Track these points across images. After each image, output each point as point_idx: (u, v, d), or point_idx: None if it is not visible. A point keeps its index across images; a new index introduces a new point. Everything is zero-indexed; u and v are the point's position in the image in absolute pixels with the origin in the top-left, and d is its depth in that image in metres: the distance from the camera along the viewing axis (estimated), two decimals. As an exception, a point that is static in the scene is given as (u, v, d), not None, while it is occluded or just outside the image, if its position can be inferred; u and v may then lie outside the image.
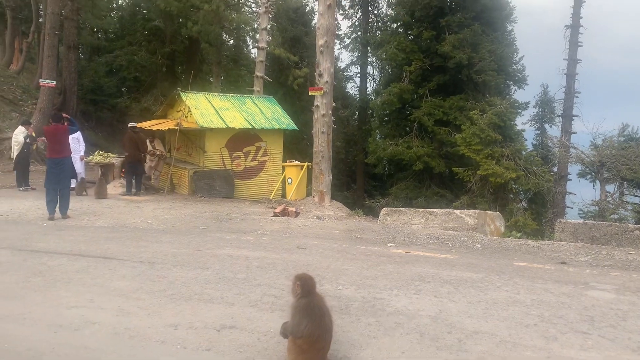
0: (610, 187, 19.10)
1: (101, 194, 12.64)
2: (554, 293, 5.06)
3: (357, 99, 32.90)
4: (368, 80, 33.30)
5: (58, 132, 9.78)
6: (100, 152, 15.96)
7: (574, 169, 22.20)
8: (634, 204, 19.27)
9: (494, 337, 3.85)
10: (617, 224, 8.74)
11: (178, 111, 15.63)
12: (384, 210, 10.78)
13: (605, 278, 5.82)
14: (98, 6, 26.21)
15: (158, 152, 15.22)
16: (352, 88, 34.55)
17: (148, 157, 14.86)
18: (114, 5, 30.34)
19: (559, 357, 3.54)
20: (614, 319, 4.32)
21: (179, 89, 16.14)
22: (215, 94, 17.24)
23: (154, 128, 15.16)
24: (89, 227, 8.67)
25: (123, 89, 27.96)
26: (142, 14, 28.19)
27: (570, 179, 23.43)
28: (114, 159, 15.39)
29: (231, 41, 29.26)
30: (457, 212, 9.75)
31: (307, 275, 3.42)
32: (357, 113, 32.61)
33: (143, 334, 3.81)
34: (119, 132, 22.67)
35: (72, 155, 13.66)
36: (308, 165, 15.22)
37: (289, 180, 15.45)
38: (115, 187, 14.43)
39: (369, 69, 33.19)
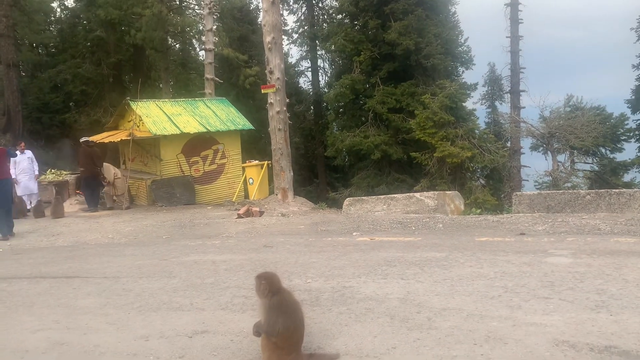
0: (561, 157, 19.84)
1: (58, 213, 12.30)
2: (515, 264, 5.24)
3: (311, 93, 32.97)
4: (320, 73, 33.46)
5: None
6: (53, 170, 15.50)
7: (526, 143, 22.95)
8: (585, 170, 20.08)
9: (462, 312, 3.96)
10: (570, 191, 9.11)
11: (129, 121, 15.30)
12: (347, 201, 10.89)
13: (562, 244, 6.05)
14: (35, 21, 25.29)
15: (106, 181, 13.98)
16: (304, 83, 34.65)
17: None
18: (52, 18, 29.35)
19: (524, 323, 3.68)
20: (572, 282, 4.51)
21: (128, 98, 15.80)
22: (166, 100, 16.98)
23: (106, 140, 14.79)
24: (48, 248, 8.43)
25: (70, 104, 27.13)
26: (82, 25, 27.37)
27: (524, 153, 24.22)
28: (67, 176, 14.97)
29: (177, 45, 28.79)
30: (417, 195, 9.95)
31: (270, 272, 3.42)
32: (312, 107, 32.71)
33: (114, 350, 3.75)
34: (70, 148, 22.01)
35: (27, 174, 13.48)
36: (268, 164, 15.18)
37: (250, 181, 15.38)
38: (71, 204, 14.07)
39: (320, 62, 33.34)
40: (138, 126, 14.67)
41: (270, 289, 3.30)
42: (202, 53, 24.56)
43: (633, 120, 24.87)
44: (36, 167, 13.89)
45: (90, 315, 4.56)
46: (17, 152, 13.59)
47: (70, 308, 4.83)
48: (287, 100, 13.83)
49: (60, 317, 4.55)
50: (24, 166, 13.75)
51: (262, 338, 3.28)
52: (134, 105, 14.97)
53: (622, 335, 3.35)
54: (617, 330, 3.44)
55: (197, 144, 15.03)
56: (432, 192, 10.83)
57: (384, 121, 23.83)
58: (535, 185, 21.00)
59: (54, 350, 3.81)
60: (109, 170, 13.80)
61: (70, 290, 5.43)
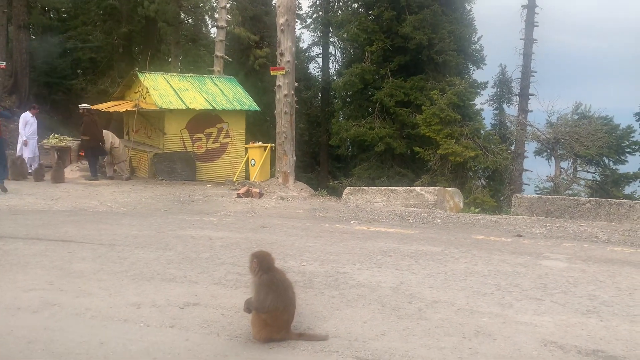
0: (564, 164, 19.78)
1: (58, 178, 12.29)
2: (510, 263, 5.25)
3: (320, 80, 32.81)
4: (330, 60, 33.28)
5: None
6: (56, 135, 15.49)
7: (530, 147, 22.90)
8: (587, 179, 20.05)
9: (453, 306, 3.98)
10: (570, 197, 9.11)
11: (136, 92, 15.27)
12: (347, 190, 10.90)
13: (558, 248, 6.07)
14: (49, -17, 25.12)
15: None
16: (314, 69, 34.42)
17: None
18: (67, -17, 29.11)
19: (514, 322, 3.69)
20: (566, 286, 4.52)
21: (137, 69, 15.73)
22: (174, 74, 16.91)
23: (111, 110, 14.76)
24: (46, 211, 8.44)
25: (78, 71, 26.99)
26: (96, -8, 27.15)
27: (527, 157, 24.16)
28: (70, 142, 14.96)
29: (190, 20, 28.58)
30: (418, 189, 9.94)
31: (264, 251, 3.44)
32: (320, 94, 32.56)
33: (105, 314, 3.77)
34: (76, 115, 21.95)
35: (36, 137, 13.61)
36: (271, 147, 15.14)
37: (252, 162, 15.36)
38: (72, 171, 14.07)
39: (331, 49, 33.14)
40: (144, 98, 14.63)
41: (262, 267, 3.32)
42: (213, 30, 24.40)
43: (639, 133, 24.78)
44: (26, 132, 13.86)
45: (84, 279, 4.59)
46: (30, 115, 13.59)
47: (65, 271, 4.85)
48: (296, 84, 13.77)
49: (54, 279, 4.57)
50: (34, 129, 13.80)
51: (252, 314, 3.30)
52: (141, 76, 14.92)
53: (611, 341, 3.37)
54: (606, 335, 3.45)
55: (202, 121, 15.00)
56: (432, 187, 10.83)
57: (391, 114, 23.75)
58: (536, 190, 20.98)
59: (46, 310, 3.83)
60: (107, 138, 13.64)
61: (65, 254, 5.45)
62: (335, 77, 30.69)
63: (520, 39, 26.71)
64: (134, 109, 14.14)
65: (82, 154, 14.67)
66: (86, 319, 3.69)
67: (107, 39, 25.38)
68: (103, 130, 13.80)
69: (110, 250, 5.60)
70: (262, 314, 3.24)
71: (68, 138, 15.44)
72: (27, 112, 13.95)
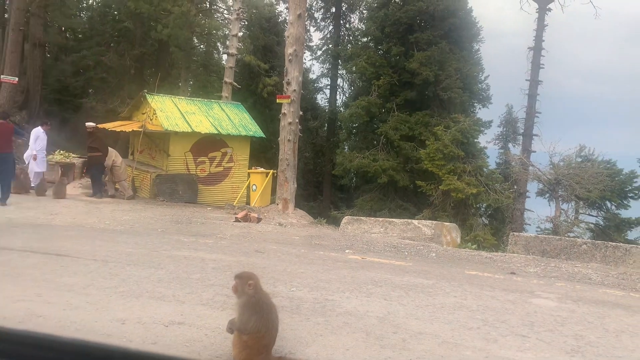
0: (566, 206, 19.74)
1: (60, 194, 12.38)
2: (499, 300, 5.23)
3: (327, 110, 33.16)
4: (338, 92, 33.71)
5: (4, 130, 10.45)
6: (61, 151, 15.66)
7: (532, 187, 22.89)
8: (588, 222, 19.96)
9: (437, 338, 3.97)
10: (567, 238, 9.09)
11: (143, 113, 15.48)
12: (345, 219, 10.93)
13: (550, 288, 6.04)
14: (67, 5, 25.78)
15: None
16: (322, 100, 34.84)
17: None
18: (84, 4, 29.89)
19: (497, 357, 3.68)
20: (553, 324, 4.50)
21: (145, 90, 15.99)
22: (182, 97, 17.15)
23: (118, 129, 14.96)
24: (44, 225, 8.50)
25: (90, 90, 27.46)
26: (112, 15, 27.82)
27: (529, 197, 24.13)
28: (74, 159, 15.10)
29: (202, 46, 29.15)
30: (415, 222, 9.96)
31: (249, 272, 3.44)
32: (326, 125, 32.86)
33: (89, 328, 3.79)
34: (82, 132, 22.20)
35: (45, 152, 13.71)
36: (273, 173, 15.23)
37: (254, 187, 15.45)
38: (74, 187, 14.17)
39: (339, 81, 33.61)
40: (151, 119, 14.83)
41: (247, 288, 3.33)
42: (224, 57, 24.86)
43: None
44: (37, 147, 13.96)
45: (73, 292, 4.61)
46: (42, 130, 13.65)
47: (55, 284, 4.88)
48: (301, 113, 13.94)
49: (43, 291, 4.59)
50: (43, 145, 13.93)
51: (234, 335, 3.31)
52: (149, 97, 15.15)
53: (592, 381, 3.35)
54: (588, 375, 3.43)
55: (207, 145, 15.15)
56: (430, 221, 10.85)
57: (395, 147, 23.91)
58: (537, 231, 20.86)
59: (31, 321, 3.84)
60: (110, 156, 13.65)
61: (57, 267, 5.48)
62: (342, 109, 31.02)
63: (526, 80, 27.03)
64: (140, 129, 14.32)
65: (84, 171, 14.79)
66: (70, 331, 3.70)
67: (120, 60, 25.89)
68: (110, 149, 13.95)
69: (102, 266, 5.63)
70: (243, 336, 3.25)
71: (73, 155, 15.60)
72: (39, 127, 14.12)
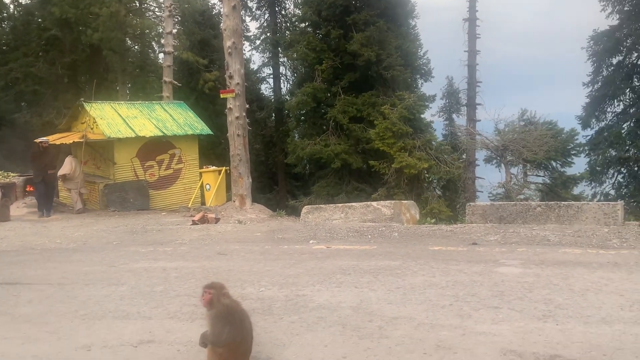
0: (514, 170, 20.34)
1: (3, 217, 11.74)
2: (467, 273, 5.30)
3: (272, 100, 32.83)
4: (281, 80, 33.36)
5: None
6: (0, 171, 14.86)
7: (480, 155, 23.45)
8: (537, 183, 20.68)
9: (413, 321, 3.97)
10: (522, 202, 9.35)
11: (82, 123, 14.82)
12: (305, 209, 10.84)
13: (512, 254, 6.18)
14: (-15, 17, 24.29)
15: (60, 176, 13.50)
16: (266, 89, 34.42)
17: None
18: (5, 14, 28.21)
19: (473, 332, 3.71)
20: (522, 291, 4.59)
21: (82, 99, 15.31)
22: (122, 102, 16.54)
23: (58, 142, 14.25)
24: (-11, 253, 8.02)
25: (22, 104, 26.09)
26: (36, 23, 26.41)
27: (478, 165, 24.73)
28: (15, 178, 14.36)
29: (136, 47, 28.14)
30: (374, 204, 10.00)
31: (217, 282, 3.32)
32: (273, 114, 32.55)
33: (52, 360, 3.58)
34: (21, 149, 21.09)
35: None
36: (226, 170, 14.96)
37: (207, 187, 15.13)
38: (18, 207, 13.49)
39: (282, 69, 33.24)
40: (92, 128, 14.23)
41: (216, 299, 3.20)
42: (161, 56, 24.13)
43: (583, 136, 25.81)
44: None
45: (30, 324, 4.35)
46: None
47: (9, 316, 4.60)
48: (247, 106, 13.71)
49: (-3, 326, 4.32)
50: None
51: (208, 349, 3.19)
52: (87, 106, 14.51)
53: (567, 345, 3.42)
54: (562, 339, 3.51)
55: (153, 148, 14.69)
56: (388, 201, 10.91)
57: (345, 130, 23.94)
58: (489, 197, 21.45)
59: (-13, 362, 3.60)
60: (70, 164, 13.36)
61: (10, 298, 5.17)
62: (287, 97, 30.77)
63: (464, 51, 27.56)
64: (81, 140, 13.72)
65: (29, 189, 14.13)
66: (31, 367, 3.49)
67: (51, 69, 24.69)
68: (69, 156, 13.65)
69: (59, 290, 5.35)
70: (218, 349, 3.13)
71: (12, 174, 14.82)
72: None
